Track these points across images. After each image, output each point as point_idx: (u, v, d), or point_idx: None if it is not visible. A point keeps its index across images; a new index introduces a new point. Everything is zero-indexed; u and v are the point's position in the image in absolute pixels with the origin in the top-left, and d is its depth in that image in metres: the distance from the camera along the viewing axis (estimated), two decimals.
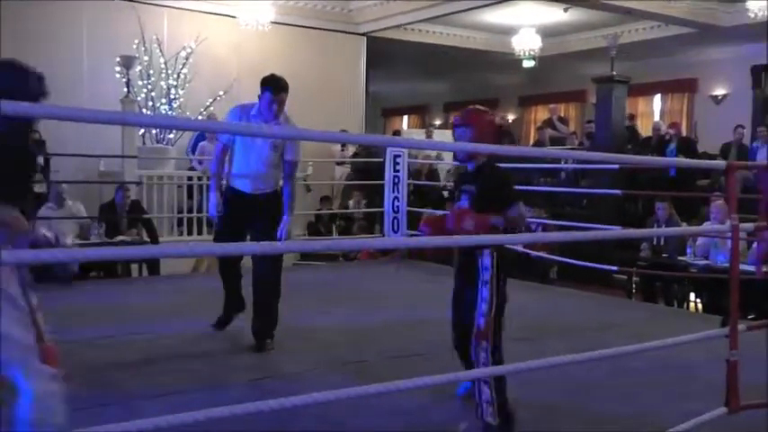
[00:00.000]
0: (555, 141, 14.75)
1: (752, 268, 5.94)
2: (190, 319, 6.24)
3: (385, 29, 14.96)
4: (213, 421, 3.36)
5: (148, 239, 9.32)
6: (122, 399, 4.27)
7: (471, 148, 4.10)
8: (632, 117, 14.85)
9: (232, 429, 3.63)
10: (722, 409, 3.45)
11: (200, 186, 10.97)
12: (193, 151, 12.10)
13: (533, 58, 15.45)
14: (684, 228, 8.31)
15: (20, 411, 2.58)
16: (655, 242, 9.08)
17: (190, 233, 10.75)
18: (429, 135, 16.13)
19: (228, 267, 5.78)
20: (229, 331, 5.92)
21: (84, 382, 4.56)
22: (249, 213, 5.50)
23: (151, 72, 11.90)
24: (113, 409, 4.08)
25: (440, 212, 5.01)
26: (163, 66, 12.00)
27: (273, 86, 5.38)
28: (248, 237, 5.52)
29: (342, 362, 5.18)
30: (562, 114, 17.59)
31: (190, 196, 11.07)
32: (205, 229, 10.80)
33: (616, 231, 5.44)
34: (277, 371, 4.97)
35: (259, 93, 5.42)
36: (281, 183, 5.66)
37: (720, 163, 3.92)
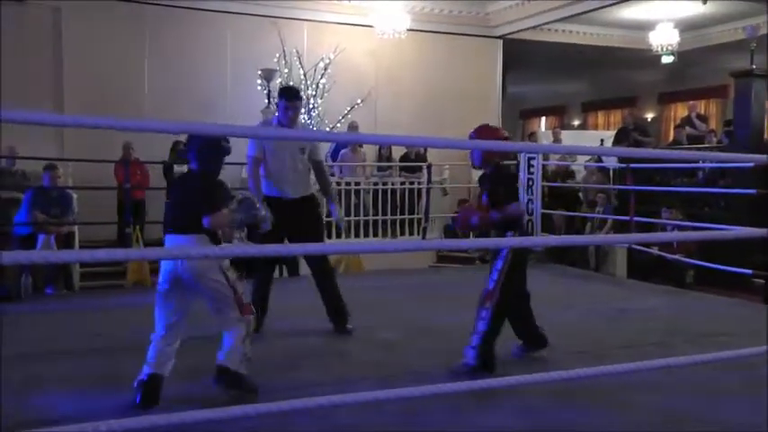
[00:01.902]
0: (693, 140, 14.35)
1: None
2: (323, 319, 6.57)
3: (521, 30, 14.98)
4: (338, 413, 3.64)
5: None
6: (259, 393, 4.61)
7: (607, 152, 4.57)
8: None
9: (358, 422, 3.94)
10: None
11: (339, 191, 11.38)
12: (333, 158, 12.53)
13: (672, 54, 15.10)
14: None
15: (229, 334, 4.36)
16: None
17: (329, 236, 11.15)
18: (557, 137, 16.00)
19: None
20: (361, 331, 6.23)
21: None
22: (288, 217, 5.75)
23: (291, 83, 12.42)
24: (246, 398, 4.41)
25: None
26: (302, 77, 12.51)
27: (287, 95, 5.88)
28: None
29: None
30: (702, 111, 17.02)
31: None
32: (343, 232, 11.21)
33: (733, 230, 5.37)
34: (406, 369, 5.19)
35: (276, 101, 6.16)
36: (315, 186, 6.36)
37: None
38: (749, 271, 7.78)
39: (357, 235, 11.40)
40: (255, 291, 6.05)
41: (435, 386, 2.64)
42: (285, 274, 9.98)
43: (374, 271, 10.13)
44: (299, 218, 5.95)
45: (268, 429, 3.75)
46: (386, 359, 5.48)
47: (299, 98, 6.00)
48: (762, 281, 9.03)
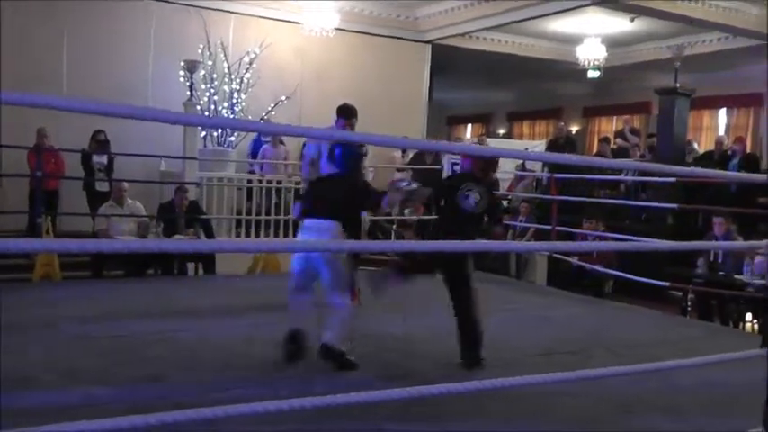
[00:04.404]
0: (619, 153, 14.52)
1: None
2: (241, 319, 6.34)
3: (450, 36, 14.94)
4: (258, 420, 3.42)
5: (205, 239, 9.48)
6: (167, 393, 4.38)
7: (529, 156, 4.49)
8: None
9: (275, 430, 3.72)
10: (759, 429, 3.38)
11: (260, 189, 11.12)
12: (254, 155, 12.23)
13: (598, 69, 15.25)
14: (717, 243, 8.11)
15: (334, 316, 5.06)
16: (711, 259, 8.90)
17: (248, 235, 10.88)
18: (482, 144, 16.03)
19: None
20: (280, 334, 6.00)
21: (132, 375, 4.69)
22: None
23: (215, 76, 12.07)
24: (157, 403, 4.15)
25: None
26: (226, 70, 12.16)
27: (346, 114, 6.72)
28: None
29: (392, 371, 5.20)
30: (635, 126, 17.19)
31: (249, 198, 11.21)
32: (263, 231, 10.93)
33: (654, 243, 5.39)
34: (320, 372, 4.97)
35: (335, 119, 6.75)
36: None
37: (762, 177, 3.86)
38: (667, 283, 7.85)
39: (277, 234, 11.12)
40: None
41: (352, 395, 2.46)
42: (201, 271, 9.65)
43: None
44: None
45: None
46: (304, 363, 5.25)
47: (356, 116, 6.76)
48: (679, 293, 9.16)
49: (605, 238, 9.68)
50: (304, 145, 12.52)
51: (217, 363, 5.17)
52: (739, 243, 7.95)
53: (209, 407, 2.38)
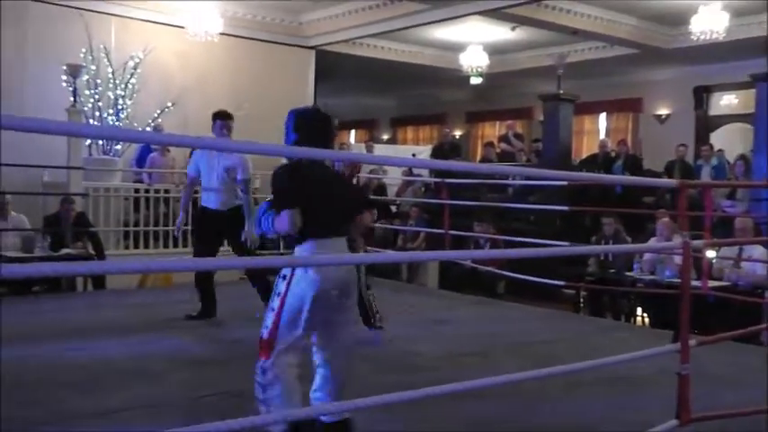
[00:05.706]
0: (504, 157, 14.83)
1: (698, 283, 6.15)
2: (135, 336, 6.13)
3: (334, 43, 14.93)
4: None
5: (94, 253, 9.15)
6: (63, 419, 4.17)
7: (423, 164, 4.52)
8: None
9: None
10: (673, 421, 3.48)
11: (147, 199, 10.80)
12: (139, 164, 11.85)
13: (481, 75, 15.57)
14: (636, 245, 8.45)
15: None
16: (602, 257, 9.22)
17: (136, 246, 10.55)
18: (370, 149, 16.16)
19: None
20: (172, 348, 5.84)
21: (26, 399, 4.44)
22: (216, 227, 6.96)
23: (98, 81, 11.61)
24: (52, 429, 3.98)
25: None
26: (110, 75, 11.75)
27: (223, 116, 6.98)
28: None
29: None
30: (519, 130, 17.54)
31: (136, 209, 10.86)
32: (152, 242, 10.64)
33: (565, 248, 5.54)
34: (219, 388, 4.83)
35: (212, 124, 6.98)
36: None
37: (672, 182, 4.05)
38: (561, 282, 8.05)
39: (166, 246, 10.82)
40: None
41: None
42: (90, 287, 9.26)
43: (184, 284, 9.55)
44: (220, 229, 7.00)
45: None
46: (197, 379, 5.09)
47: (232, 118, 7.05)
48: (572, 291, 9.42)
49: (497, 241, 9.86)
50: (191, 153, 12.28)
51: (117, 384, 4.95)
52: (652, 245, 8.24)
53: None
